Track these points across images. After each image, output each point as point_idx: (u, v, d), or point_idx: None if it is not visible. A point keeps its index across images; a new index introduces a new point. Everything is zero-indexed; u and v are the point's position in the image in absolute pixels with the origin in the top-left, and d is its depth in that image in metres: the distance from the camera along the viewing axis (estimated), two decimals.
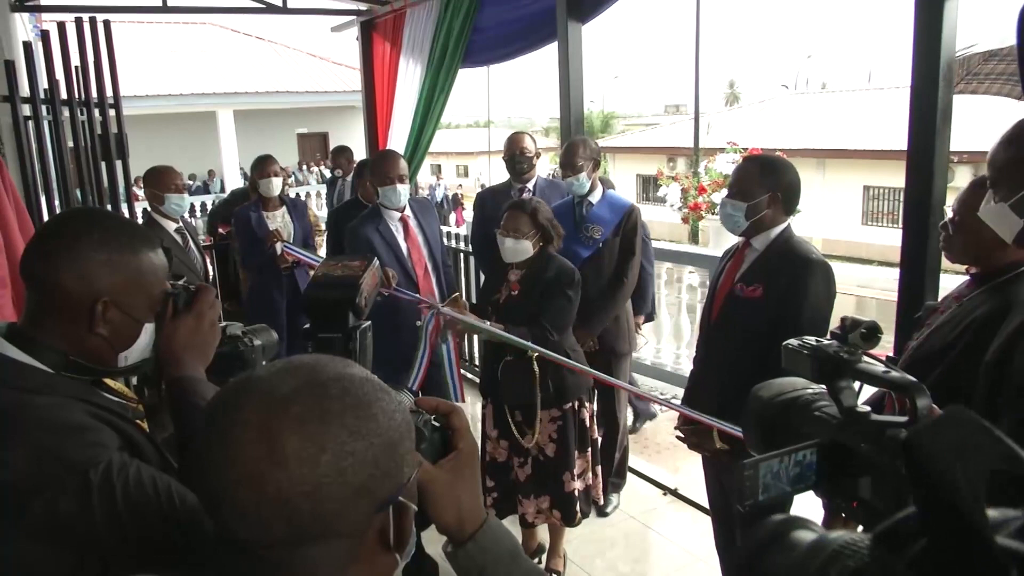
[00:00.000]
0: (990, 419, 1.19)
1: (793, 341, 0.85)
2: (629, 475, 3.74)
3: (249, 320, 1.44)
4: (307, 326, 1.20)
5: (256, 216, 4.29)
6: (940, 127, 2.27)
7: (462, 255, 5.20)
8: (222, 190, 17.01)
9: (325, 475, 0.62)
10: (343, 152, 6.11)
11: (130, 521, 0.93)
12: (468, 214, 15.98)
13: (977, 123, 7.21)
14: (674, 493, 3.69)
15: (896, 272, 2.51)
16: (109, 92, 3.99)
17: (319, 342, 1.18)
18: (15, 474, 0.91)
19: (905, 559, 0.40)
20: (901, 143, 2.38)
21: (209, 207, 12.54)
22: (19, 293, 2.35)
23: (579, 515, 2.85)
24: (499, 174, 3.83)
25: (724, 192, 2.37)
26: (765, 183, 2.21)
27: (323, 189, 14.72)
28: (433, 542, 0.84)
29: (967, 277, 1.76)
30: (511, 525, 2.73)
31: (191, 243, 3.86)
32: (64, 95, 3.89)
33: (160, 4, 5.51)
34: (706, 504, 2.80)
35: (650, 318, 4.15)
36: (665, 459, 4.11)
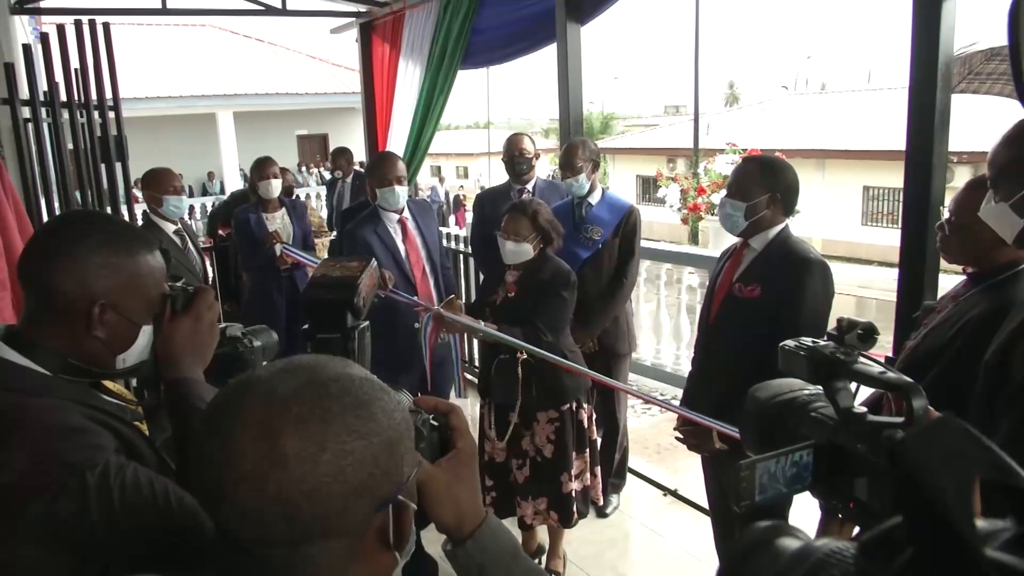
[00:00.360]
0: (989, 419, 1.19)
1: (790, 342, 0.85)
2: (629, 476, 3.74)
3: (248, 321, 1.44)
4: (306, 327, 1.20)
5: (255, 217, 4.29)
6: (938, 127, 2.27)
7: (461, 256, 5.20)
8: (222, 192, 17.02)
9: (325, 474, 0.62)
10: (343, 154, 6.11)
11: (127, 523, 0.93)
12: (470, 215, 15.94)
13: (977, 123, 7.22)
14: (674, 494, 3.69)
15: (896, 272, 2.51)
16: (109, 94, 4.00)
17: (318, 342, 1.19)
18: (13, 477, 0.91)
19: (891, 569, 0.39)
20: (901, 143, 2.38)
21: (209, 209, 12.55)
22: (18, 296, 2.35)
23: (576, 516, 2.85)
24: (499, 175, 3.83)
25: (723, 193, 2.37)
26: (764, 183, 2.21)
27: (323, 191, 14.72)
28: (433, 541, 0.85)
29: (964, 277, 1.76)
30: (510, 526, 2.73)
31: (190, 245, 3.86)
32: (64, 97, 3.89)
33: (159, 6, 5.51)
34: (706, 505, 2.81)
35: None
36: (665, 460, 4.11)
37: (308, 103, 18.84)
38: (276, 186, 4.33)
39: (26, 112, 3.81)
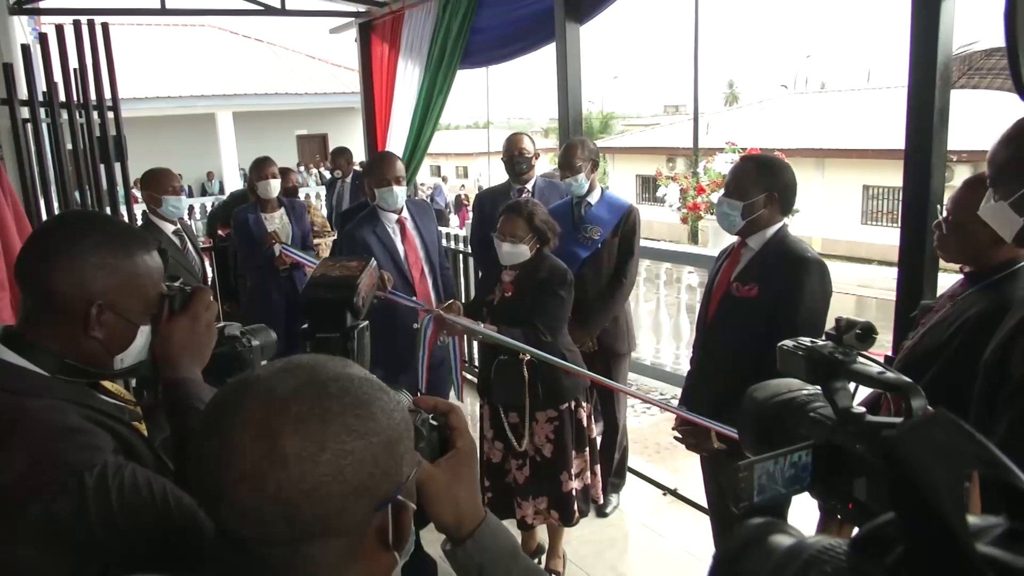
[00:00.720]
0: (989, 418, 1.19)
1: (788, 342, 0.85)
2: (629, 475, 3.74)
3: (247, 321, 1.44)
4: (305, 326, 1.20)
5: (254, 218, 4.29)
6: (937, 126, 2.27)
7: (461, 256, 5.20)
8: (221, 192, 17.01)
9: (325, 474, 0.62)
10: (342, 153, 6.11)
11: (126, 523, 0.93)
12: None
13: (976, 122, 7.22)
14: (674, 493, 3.69)
15: (895, 271, 2.51)
16: (108, 94, 4.00)
17: (317, 342, 1.18)
18: (11, 478, 0.91)
19: (884, 566, 0.39)
20: (900, 142, 2.38)
21: (208, 209, 12.55)
22: (17, 296, 2.35)
23: (577, 515, 2.85)
24: (498, 175, 3.83)
25: (722, 192, 2.37)
26: (761, 183, 2.21)
27: (323, 191, 14.72)
28: (433, 541, 0.85)
29: (961, 276, 1.76)
30: (509, 526, 2.73)
31: (189, 245, 3.86)
32: (63, 98, 3.89)
33: (158, 6, 5.51)
34: (705, 504, 2.81)
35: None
36: (665, 459, 4.11)
37: (307, 103, 18.84)
38: (275, 186, 4.33)
39: (25, 112, 3.81)
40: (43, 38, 3.89)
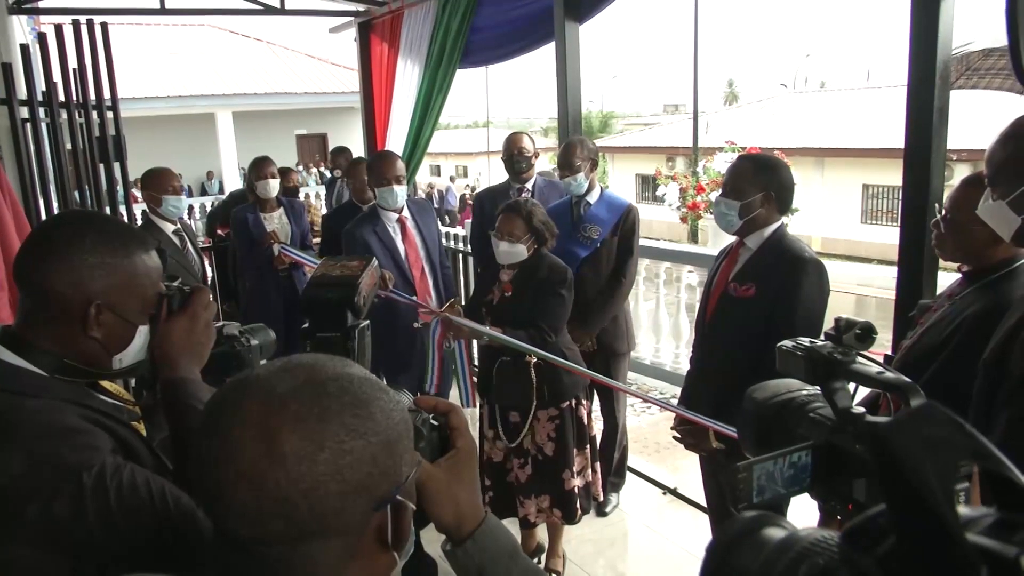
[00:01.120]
0: (987, 417, 1.19)
1: (787, 342, 0.85)
2: (628, 475, 3.74)
3: (246, 321, 1.44)
4: (305, 325, 1.20)
5: (253, 217, 4.29)
6: (937, 125, 2.27)
7: (461, 256, 5.20)
8: (221, 191, 17.00)
9: (323, 473, 0.62)
10: (342, 153, 6.11)
11: (124, 524, 0.93)
12: None
13: (976, 121, 7.21)
14: (673, 492, 3.69)
15: (895, 270, 2.51)
16: (107, 94, 3.99)
17: (318, 341, 1.18)
18: (9, 479, 0.91)
19: (874, 557, 0.39)
20: (900, 141, 2.38)
21: (208, 208, 12.54)
22: (16, 296, 2.35)
23: (579, 512, 2.86)
24: (498, 174, 3.83)
25: (719, 192, 2.37)
26: (758, 182, 2.21)
27: (322, 190, 14.72)
28: (432, 541, 0.84)
29: (959, 275, 1.76)
30: (510, 526, 2.73)
31: (189, 245, 3.86)
32: (62, 97, 3.88)
33: (158, 6, 5.51)
34: (705, 503, 2.81)
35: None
36: (664, 459, 4.11)
37: (307, 103, 18.83)
38: (274, 186, 4.33)
39: (24, 112, 3.80)
40: (42, 38, 3.89)
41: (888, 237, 15.87)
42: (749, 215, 2.21)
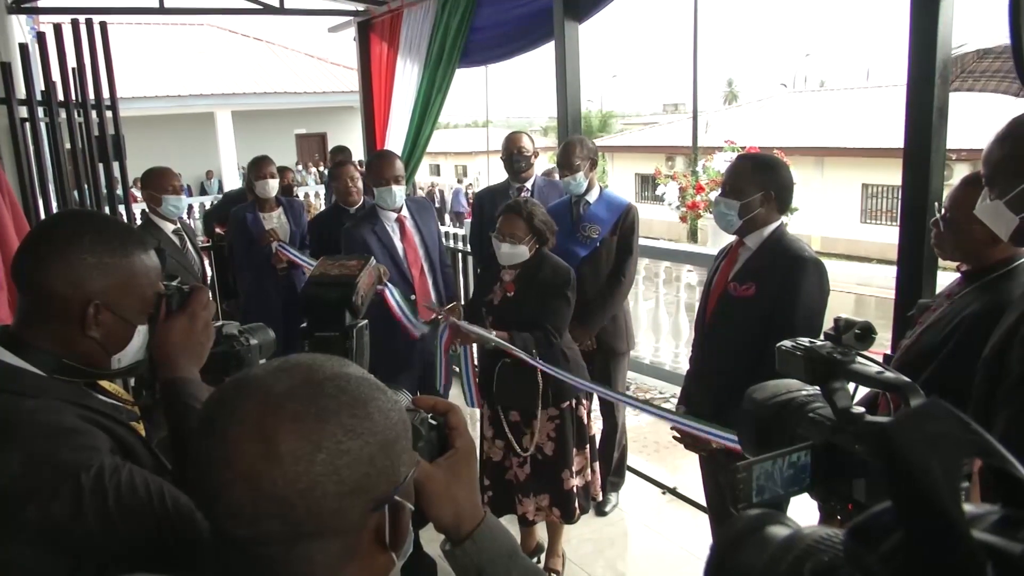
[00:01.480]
0: (987, 415, 1.19)
1: (787, 342, 0.85)
2: (628, 474, 3.74)
3: (246, 320, 1.44)
4: (304, 325, 1.20)
5: (252, 217, 4.29)
6: (936, 125, 2.27)
7: (460, 256, 5.20)
8: (220, 191, 16.99)
9: (320, 473, 0.62)
10: (341, 152, 6.11)
11: (122, 524, 0.93)
12: None
13: (976, 120, 7.21)
14: (673, 492, 3.69)
15: (894, 270, 2.51)
16: (106, 94, 3.99)
17: (316, 341, 1.18)
18: (8, 479, 0.91)
19: (879, 554, 0.39)
20: (899, 141, 2.38)
21: (207, 208, 12.53)
22: (15, 296, 2.34)
23: (578, 511, 2.86)
24: (498, 174, 3.83)
25: (719, 192, 2.37)
26: (758, 181, 2.20)
27: (322, 190, 14.72)
28: (432, 540, 0.84)
29: (958, 275, 1.76)
30: (509, 524, 2.73)
31: (189, 244, 3.86)
32: (61, 97, 3.88)
33: (157, 5, 5.50)
34: (705, 503, 2.81)
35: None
36: (664, 458, 4.11)
37: (306, 102, 18.81)
38: (273, 185, 4.33)
39: (23, 112, 3.80)
40: (41, 37, 3.89)
41: (887, 236, 15.88)
42: (749, 214, 2.21)
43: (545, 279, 2.73)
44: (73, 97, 3.92)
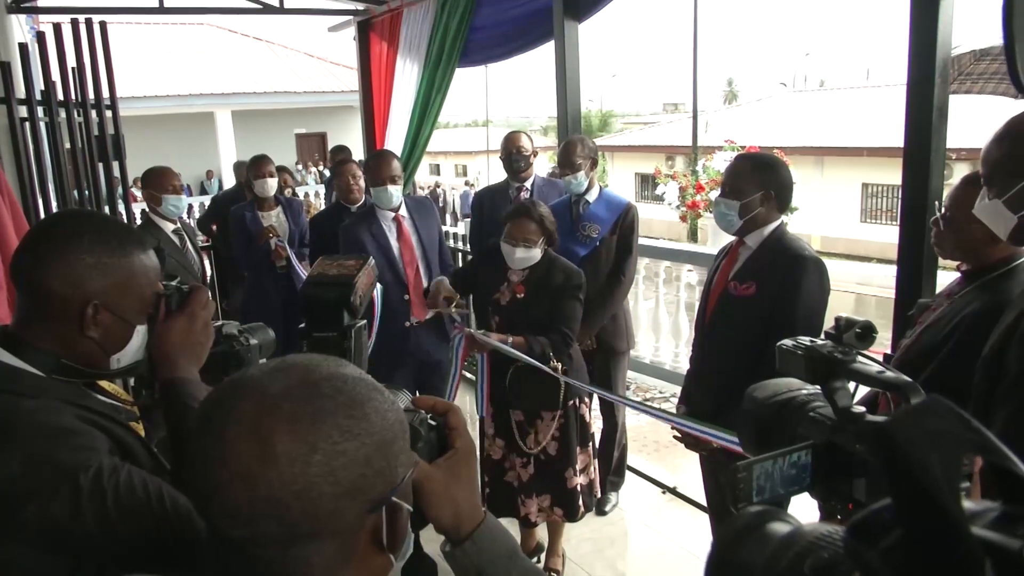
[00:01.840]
0: (986, 414, 1.19)
1: (787, 341, 0.84)
2: (628, 474, 3.74)
3: (245, 319, 1.43)
4: (302, 325, 1.20)
5: (251, 216, 4.30)
6: (936, 124, 2.26)
7: (461, 255, 5.19)
8: (220, 190, 16.99)
9: (316, 474, 0.62)
10: (341, 151, 6.11)
11: (121, 525, 0.93)
12: None
13: (976, 120, 7.21)
14: (673, 492, 3.69)
15: (894, 269, 2.51)
16: (106, 93, 3.99)
17: (314, 341, 1.18)
18: (7, 480, 0.91)
19: (879, 550, 0.39)
20: (899, 140, 2.38)
21: (200, 216, 12.54)
22: (15, 295, 2.34)
23: (582, 509, 2.88)
24: (497, 173, 3.82)
25: (719, 192, 2.36)
26: (757, 181, 2.20)
27: (321, 189, 14.73)
28: (432, 540, 0.84)
29: (959, 274, 1.76)
30: (508, 524, 2.73)
31: (188, 244, 3.86)
32: (61, 96, 3.88)
33: (157, 5, 5.50)
34: (705, 502, 2.81)
35: None
36: (664, 457, 4.11)
37: (306, 102, 18.81)
38: (272, 184, 4.34)
39: (23, 111, 3.80)
40: (41, 37, 3.89)
41: (887, 236, 15.87)
42: (749, 214, 2.21)
43: (558, 282, 2.73)
44: (73, 97, 3.91)
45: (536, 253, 2.71)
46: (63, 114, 3.90)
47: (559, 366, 2.71)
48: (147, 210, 3.82)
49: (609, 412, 3.52)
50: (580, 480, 2.85)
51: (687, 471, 3.60)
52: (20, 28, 6.01)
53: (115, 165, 4.08)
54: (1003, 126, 1.40)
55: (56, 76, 3.85)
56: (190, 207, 13.51)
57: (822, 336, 0.84)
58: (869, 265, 15.90)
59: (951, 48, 2.31)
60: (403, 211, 3.41)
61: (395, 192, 3.32)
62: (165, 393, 1.11)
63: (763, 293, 2.18)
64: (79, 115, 3.95)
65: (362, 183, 3.98)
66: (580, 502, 2.85)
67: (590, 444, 2.91)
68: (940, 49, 2.22)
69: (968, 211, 1.52)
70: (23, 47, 4.09)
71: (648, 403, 4.89)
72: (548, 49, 4.02)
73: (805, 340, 0.83)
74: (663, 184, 8.43)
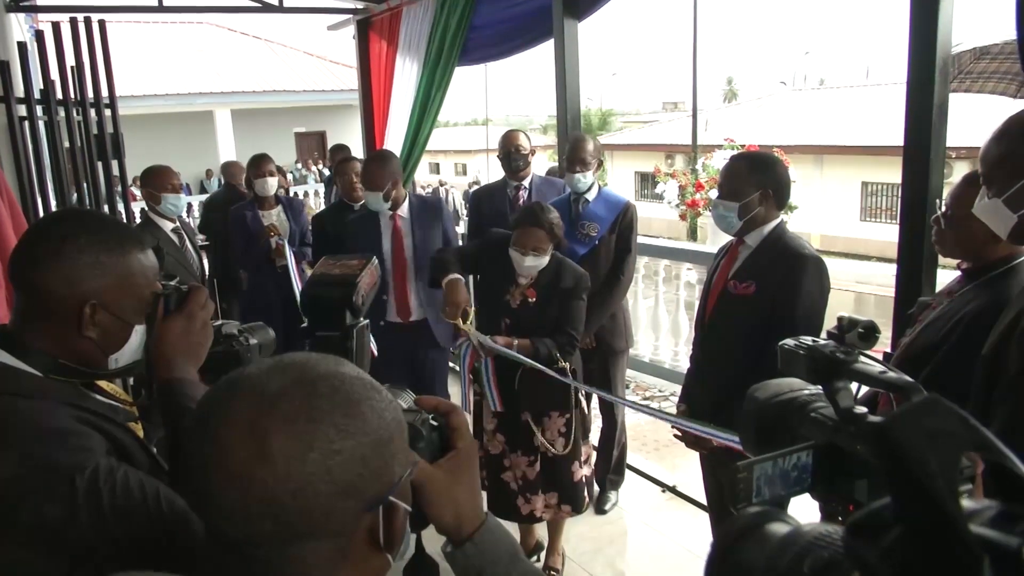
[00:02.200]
0: (985, 413, 1.19)
1: (789, 341, 0.84)
2: (628, 473, 3.74)
3: (245, 319, 1.43)
4: (305, 324, 1.20)
5: (251, 215, 4.30)
6: (936, 123, 2.26)
7: None
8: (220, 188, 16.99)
9: (312, 473, 0.62)
10: (340, 150, 6.11)
11: (117, 526, 0.92)
12: None
13: (976, 118, 7.21)
14: (673, 490, 3.69)
15: (894, 268, 2.51)
16: (105, 92, 3.98)
17: (317, 340, 1.18)
18: (2, 481, 0.90)
19: (878, 549, 0.39)
20: (899, 139, 2.38)
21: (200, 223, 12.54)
22: (13, 295, 2.34)
23: (587, 500, 2.93)
24: (498, 172, 3.81)
25: (716, 194, 2.36)
26: (754, 180, 2.20)
27: (321, 188, 14.73)
28: (434, 541, 0.84)
29: (959, 273, 1.76)
30: (507, 523, 2.73)
31: (188, 243, 3.86)
32: (60, 95, 3.88)
33: (156, 4, 5.49)
34: (704, 501, 2.81)
35: None
36: (663, 456, 4.11)
37: (306, 100, 18.82)
38: (272, 184, 4.35)
39: (22, 110, 3.79)
40: (40, 35, 3.88)
41: (887, 234, 15.88)
42: (748, 215, 2.21)
43: (567, 285, 2.74)
44: (72, 96, 3.91)
45: (545, 260, 2.71)
46: (62, 113, 3.90)
47: (567, 366, 2.72)
48: (146, 209, 3.82)
49: (609, 411, 3.52)
50: (584, 471, 2.89)
51: (687, 470, 3.60)
52: (19, 27, 6.01)
53: (114, 164, 4.07)
54: (1002, 125, 1.40)
55: (55, 75, 3.84)
56: (189, 206, 13.52)
57: (823, 336, 0.84)
58: (869, 263, 15.90)
59: (951, 47, 2.30)
60: (403, 212, 3.39)
61: (374, 199, 3.29)
62: (163, 393, 1.11)
63: (763, 292, 2.18)
64: (78, 114, 3.94)
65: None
66: (584, 493, 2.90)
67: (590, 436, 2.97)
68: (940, 48, 2.22)
69: (970, 210, 1.52)
70: (22, 46, 4.08)
71: (647, 402, 4.89)
72: (548, 48, 4.02)
73: (807, 340, 0.83)
74: (663, 183, 8.45)
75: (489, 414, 2.89)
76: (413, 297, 3.40)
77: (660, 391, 5.21)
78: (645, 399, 5.09)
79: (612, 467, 3.57)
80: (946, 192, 1.85)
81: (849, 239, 18.08)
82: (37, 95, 3.83)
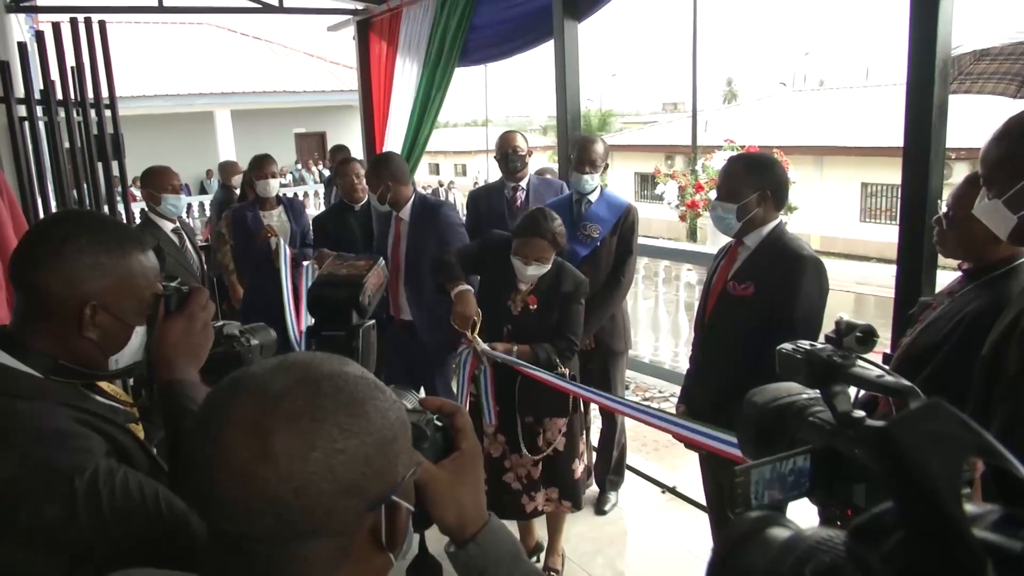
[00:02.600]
0: (985, 414, 1.19)
1: (787, 345, 0.84)
2: (628, 473, 3.74)
3: (246, 319, 1.43)
4: (311, 324, 1.20)
5: (252, 215, 4.30)
6: (936, 124, 2.26)
7: None
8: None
9: (314, 472, 0.62)
10: (340, 151, 6.11)
11: (116, 528, 0.92)
12: None
13: (976, 119, 7.22)
14: (672, 491, 3.69)
15: (894, 268, 2.51)
16: (105, 92, 3.98)
17: (323, 340, 1.19)
18: (1, 482, 0.90)
19: (880, 553, 0.39)
20: (899, 140, 2.38)
21: (206, 207, 12.54)
22: (14, 295, 2.34)
23: (584, 493, 3.00)
24: (497, 172, 3.81)
25: (715, 196, 2.36)
26: (752, 182, 2.20)
27: (321, 189, 14.73)
28: (438, 541, 0.84)
29: (959, 273, 1.76)
30: (508, 524, 2.73)
31: (188, 243, 3.86)
32: (60, 96, 3.88)
33: (156, 4, 5.49)
34: (704, 502, 2.81)
35: None
36: (663, 457, 4.11)
37: (306, 101, 18.82)
38: (274, 185, 4.34)
39: (22, 111, 3.79)
40: (40, 36, 3.88)
41: (887, 235, 15.87)
42: (747, 216, 2.21)
43: (567, 290, 2.74)
44: (72, 96, 3.91)
45: (547, 267, 2.71)
46: (62, 113, 3.90)
47: (566, 372, 2.72)
48: (146, 209, 3.82)
49: (608, 412, 3.52)
50: (581, 466, 2.91)
51: (686, 470, 3.60)
52: (19, 27, 6.01)
53: (114, 164, 4.08)
54: (1002, 126, 1.40)
55: (55, 75, 3.84)
56: (189, 206, 13.52)
57: (821, 337, 0.84)
58: (868, 264, 15.90)
59: (951, 48, 2.31)
60: (404, 214, 3.39)
61: (374, 199, 3.34)
62: (163, 394, 1.11)
63: (762, 293, 2.18)
64: (78, 114, 3.94)
65: (365, 183, 3.99)
66: (581, 488, 2.94)
67: (585, 431, 3.00)
68: (940, 49, 2.22)
69: (971, 210, 1.52)
70: (22, 46, 4.08)
71: (647, 402, 4.89)
72: (548, 48, 4.02)
73: (805, 344, 0.83)
74: (662, 183, 8.44)
75: (493, 418, 2.89)
76: (402, 298, 3.41)
77: (660, 392, 5.21)
78: (645, 400, 5.09)
79: (612, 468, 3.57)
80: (946, 193, 1.85)
81: (849, 240, 18.08)
82: (37, 95, 3.83)
